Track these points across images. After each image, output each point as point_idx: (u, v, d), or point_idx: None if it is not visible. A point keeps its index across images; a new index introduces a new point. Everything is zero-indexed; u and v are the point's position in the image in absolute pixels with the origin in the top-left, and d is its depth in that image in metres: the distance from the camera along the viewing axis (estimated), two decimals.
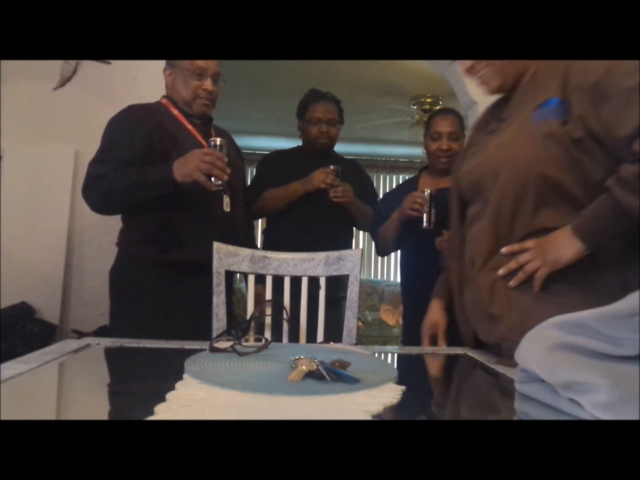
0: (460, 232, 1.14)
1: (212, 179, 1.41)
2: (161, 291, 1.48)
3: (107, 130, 1.54)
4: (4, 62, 2.31)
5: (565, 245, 0.91)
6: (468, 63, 1.08)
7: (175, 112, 1.58)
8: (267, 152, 2.27)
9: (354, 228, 2.13)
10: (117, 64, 2.42)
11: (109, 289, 1.60)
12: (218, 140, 1.46)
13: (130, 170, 1.44)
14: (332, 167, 1.88)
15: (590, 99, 0.92)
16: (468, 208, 1.12)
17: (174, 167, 1.41)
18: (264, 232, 2.16)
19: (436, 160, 1.86)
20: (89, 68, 2.42)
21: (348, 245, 2.10)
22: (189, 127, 1.57)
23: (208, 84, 1.54)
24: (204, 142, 1.55)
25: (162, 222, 1.48)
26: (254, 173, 2.19)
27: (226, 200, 1.57)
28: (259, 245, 2.12)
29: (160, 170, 1.44)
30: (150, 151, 1.48)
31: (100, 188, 1.44)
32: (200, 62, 1.51)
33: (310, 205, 1.92)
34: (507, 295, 0.98)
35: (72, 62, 2.38)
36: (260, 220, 2.69)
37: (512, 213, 0.98)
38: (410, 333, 1.73)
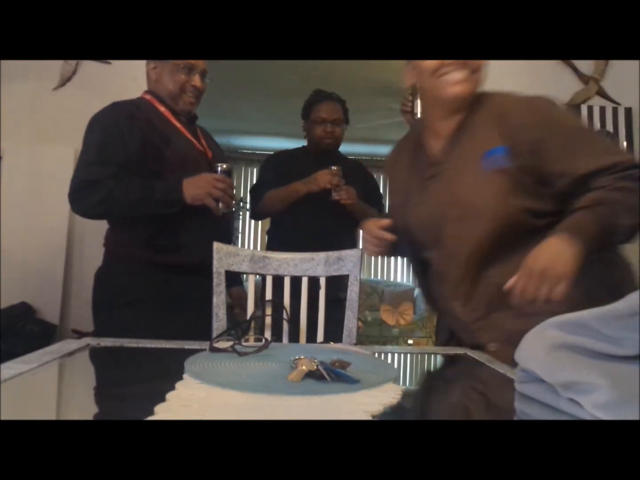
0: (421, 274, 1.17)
1: (219, 203, 1.44)
2: (160, 294, 1.44)
3: (95, 129, 1.46)
4: (4, 62, 2.31)
5: (565, 253, 0.86)
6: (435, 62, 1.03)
7: (162, 108, 1.53)
8: (268, 152, 2.27)
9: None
10: (117, 64, 2.41)
11: (96, 293, 1.51)
12: (226, 166, 1.47)
13: (133, 184, 1.40)
14: (334, 167, 1.88)
15: (532, 149, 0.99)
16: (423, 252, 1.14)
17: (184, 188, 1.41)
18: (267, 232, 2.16)
19: None
20: (89, 68, 2.41)
21: (353, 245, 2.10)
22: (177, 124, 1.53)
23: (197, 79, 1.52)
24: (194, 140, 1.54)
25: (159, 224, 1.45)
26: (258, 173, 2.19)
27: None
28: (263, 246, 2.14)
29: (169, 188, 1.42)
30: (143, 150, 1.44)
31: (96, 195, 1.39)
32: None
33: (314, 205, 1.92)
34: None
35: (72, 62, 2.38)
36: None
37: (484, 258, 1.01)
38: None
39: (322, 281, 1.32)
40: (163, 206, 1.42)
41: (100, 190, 1.38)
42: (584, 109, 2.66)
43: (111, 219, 1.53)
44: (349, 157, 2.24)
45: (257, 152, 6.09)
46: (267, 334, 1.25)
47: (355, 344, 1.20)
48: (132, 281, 1.45)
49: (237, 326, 1.35)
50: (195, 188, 1.42)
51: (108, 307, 1.48)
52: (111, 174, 1.39)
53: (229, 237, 1.56)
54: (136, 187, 1.40)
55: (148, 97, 1.56)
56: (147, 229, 1.45)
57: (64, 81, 2.40)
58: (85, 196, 1.40)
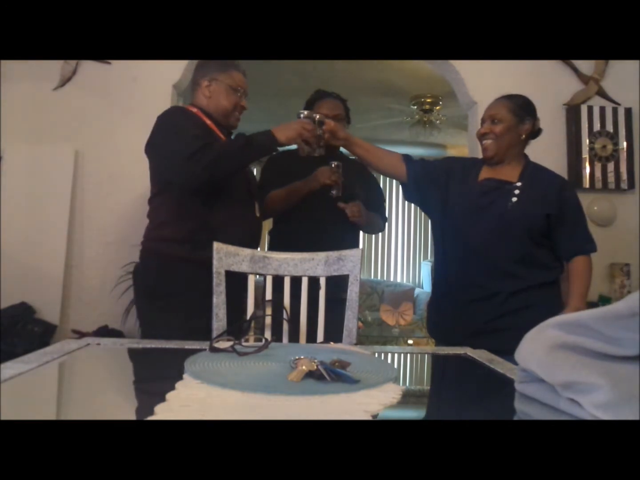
0: None
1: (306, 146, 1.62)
2: (194, 289, 1.49)
3: (167, 121, 1.59)
4: (4, 62, 2.31)
5: None
6: None
7: (208, 121, 1.66)
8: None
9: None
10: (117, 64, 2.41)
11: (136, 288, 1.62)
12: (308, 112, 1.66)
13: (230, 139, 1.59)
14: (334, 163, 1.88)
15: None
16: None
17: (276, 132, 1.57)
18: (270, 232, 2.16)
19: (481, 146, 1.70)
20: (89, 68, 2.42)
21: (355, 245, 2.09)
22: (221, 135, 1.67)
23: (244, 101, 1.73)
24: None
25: (202, 222, 1.54)
26: (260, 174, 2.18)
27: (257, 205, 1.68)
28: (265, 246, 2.14)
29: (262, 135, 1.59)
30: None
31: (210, 155, 1.48)
32: (239, 82, 1.69)
33: (316, 204, 1.91)
34: None
35: (72, 62, 2.38)
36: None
37: None
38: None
39: (322, 281, 1.32)
40: (262, 149, 1.60)
41: (212, 149, 1.50)
42: (584, 109, 2.66)
43: (155, 216, 1.61)
44: (350, 157, 2.24)
45: None
46: (267, 334, 1.25)
47: (355, 344, 1.21)
48: (165, 275, 1.53)
49: (237, 326, 1.35)
50: (288, 130, 1.58)
51: (152, 301, 1.56)
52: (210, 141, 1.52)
53: (259, 240, 1.67)
54: (236, 139, 1.56)
55: (194, 109, 1.68)
56: (191, 226, 1.54)
57: (64, 81, 2.40)
58: (200, 157, 1.49)
